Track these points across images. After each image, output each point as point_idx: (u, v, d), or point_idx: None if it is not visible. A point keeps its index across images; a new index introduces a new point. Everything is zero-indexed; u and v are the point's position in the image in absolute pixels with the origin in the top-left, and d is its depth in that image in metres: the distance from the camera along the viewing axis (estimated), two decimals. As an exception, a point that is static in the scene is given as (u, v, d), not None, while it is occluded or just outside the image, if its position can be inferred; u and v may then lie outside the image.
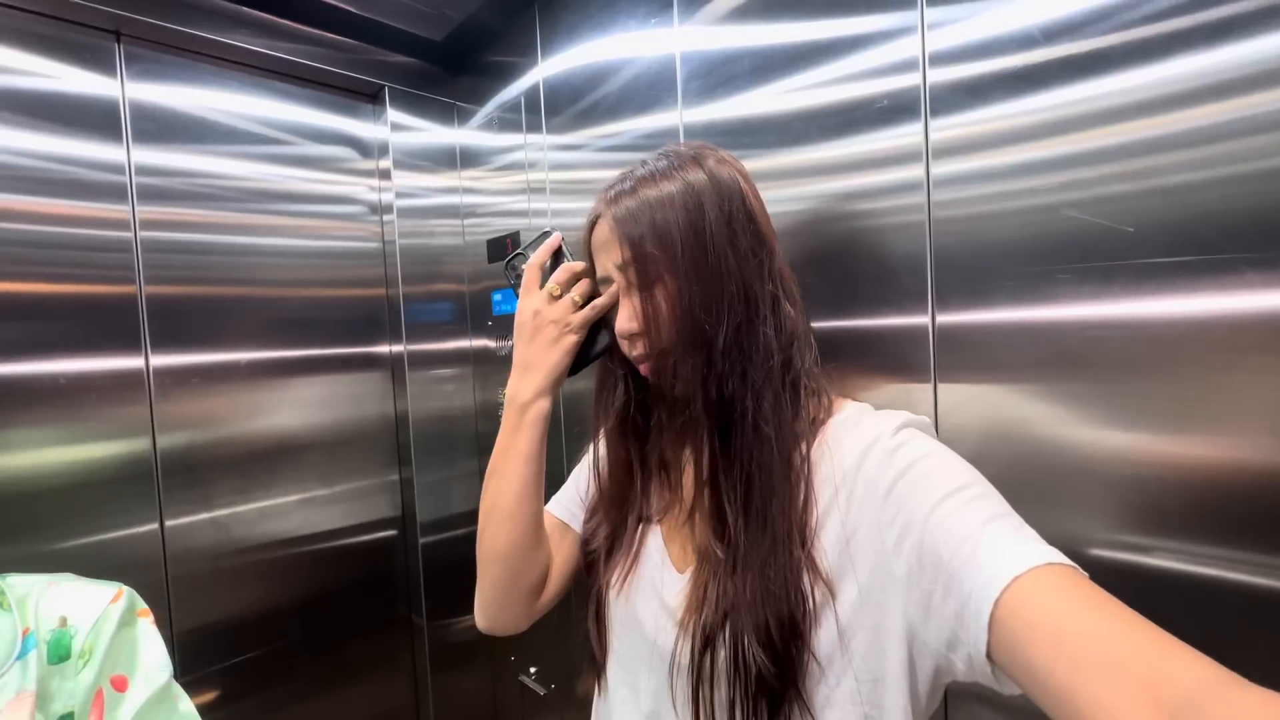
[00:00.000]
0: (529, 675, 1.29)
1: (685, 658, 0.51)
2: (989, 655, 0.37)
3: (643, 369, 0.57)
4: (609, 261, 0.56)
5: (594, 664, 0.63)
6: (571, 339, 0.61)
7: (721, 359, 0.51)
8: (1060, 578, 0.36)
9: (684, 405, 0.56)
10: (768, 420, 0.51)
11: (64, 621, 0.53)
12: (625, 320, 0.55)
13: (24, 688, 0.49)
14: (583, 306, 0.61)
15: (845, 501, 0.48)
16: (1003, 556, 0.37)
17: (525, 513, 0.61)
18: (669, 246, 0.51)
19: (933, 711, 0.50)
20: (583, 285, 0.61)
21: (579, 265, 0.62)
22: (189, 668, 1.09)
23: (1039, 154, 0.56)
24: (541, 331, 0.61)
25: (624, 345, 0.57)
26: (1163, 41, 0.49)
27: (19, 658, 0.50)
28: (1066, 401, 0.56)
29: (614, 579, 0.60)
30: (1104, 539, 0.54)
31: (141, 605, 0.60)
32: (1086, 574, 0.37)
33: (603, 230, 0.56)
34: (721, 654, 0.48)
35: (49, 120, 0.96)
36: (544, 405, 0.61)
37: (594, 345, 0.62)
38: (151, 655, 0.57)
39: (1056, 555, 0.37)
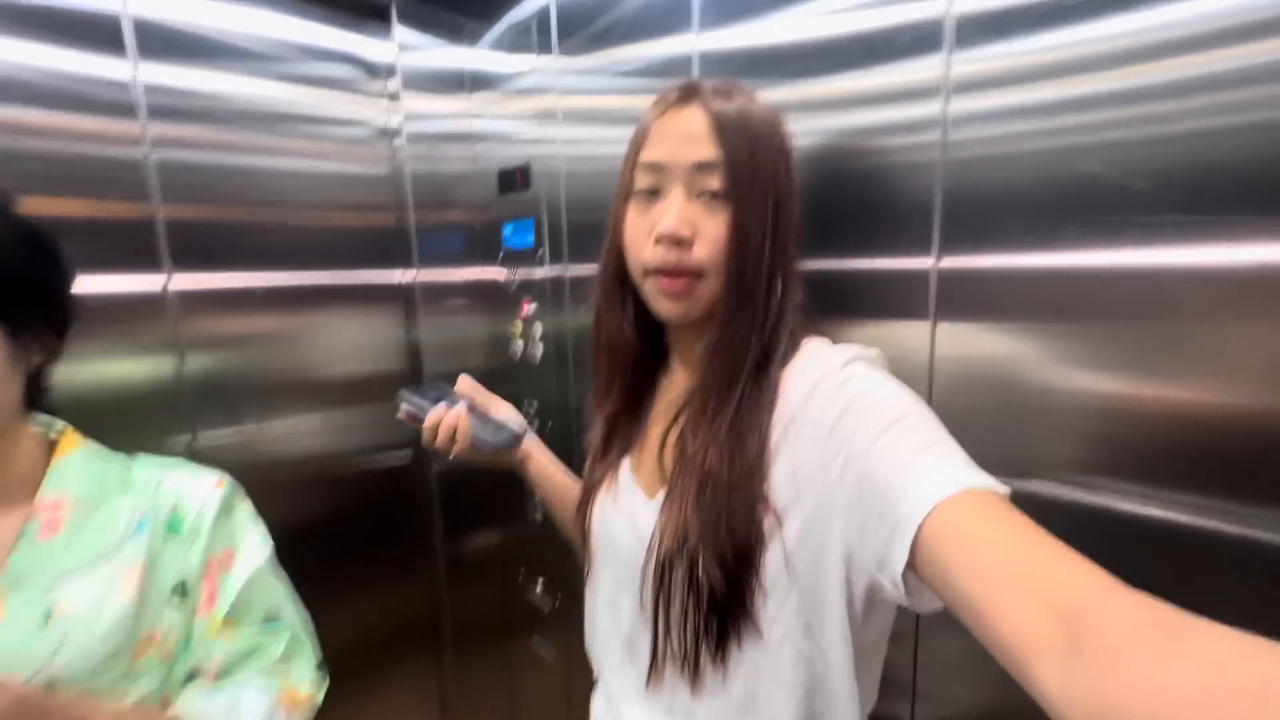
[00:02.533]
0: (535, 592, 1.37)
1: (651, 578, 0.55)
2: (915, 572, 0.40)
3: (666, 283, 0.54)
4: (685, 154, 0.51)
5: (583, 561, 0.69)
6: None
7: (751, 297, 0.52)
8: (978, 501, 0.38)
9: (691, 332, 0.58)
10: (773, 362, 0.53)
11: (176, 505, 0.63)
12: (677, 223, 0.51)
13: (137, 558, 0.58)
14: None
15: (794, 437, 0.50)
16: (928, 483, 0.40)
17: (558, 512, 0.79)
18: (756, 176, 0.51)
19: (880, 628, 0.54)
20: (448, 433, 0.73)
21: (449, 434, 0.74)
22: (223, 570, 1.17)
23: (1060, 93, 0.54)
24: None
25: (650, 252, 0.53)
26: (1204, -29, 0.46)
27: (135, 535, 0.59)
28: (1064, 348, 0.56)
29: (599, 496, 0.65)
30: (1086, 481, 0.56)
31: (241, 492, 0.70)
32: (1006, 491, 0.40)
33: (696, 119, 0.52)
34: (679, 574, 0.52)
35: (55, 33, 0.94)
36: (508, 464, 0.79)
37: (487, 443, 0.75)
38: (253, 534, 0.68)
39: (979, 479, 0.40)
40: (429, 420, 0.74)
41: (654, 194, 0.54)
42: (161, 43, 1.04)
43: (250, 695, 0.60)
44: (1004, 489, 0.40)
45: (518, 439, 0.76)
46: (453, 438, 0.73)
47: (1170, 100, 0.49)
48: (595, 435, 0.67)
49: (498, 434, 0.75)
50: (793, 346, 0.54)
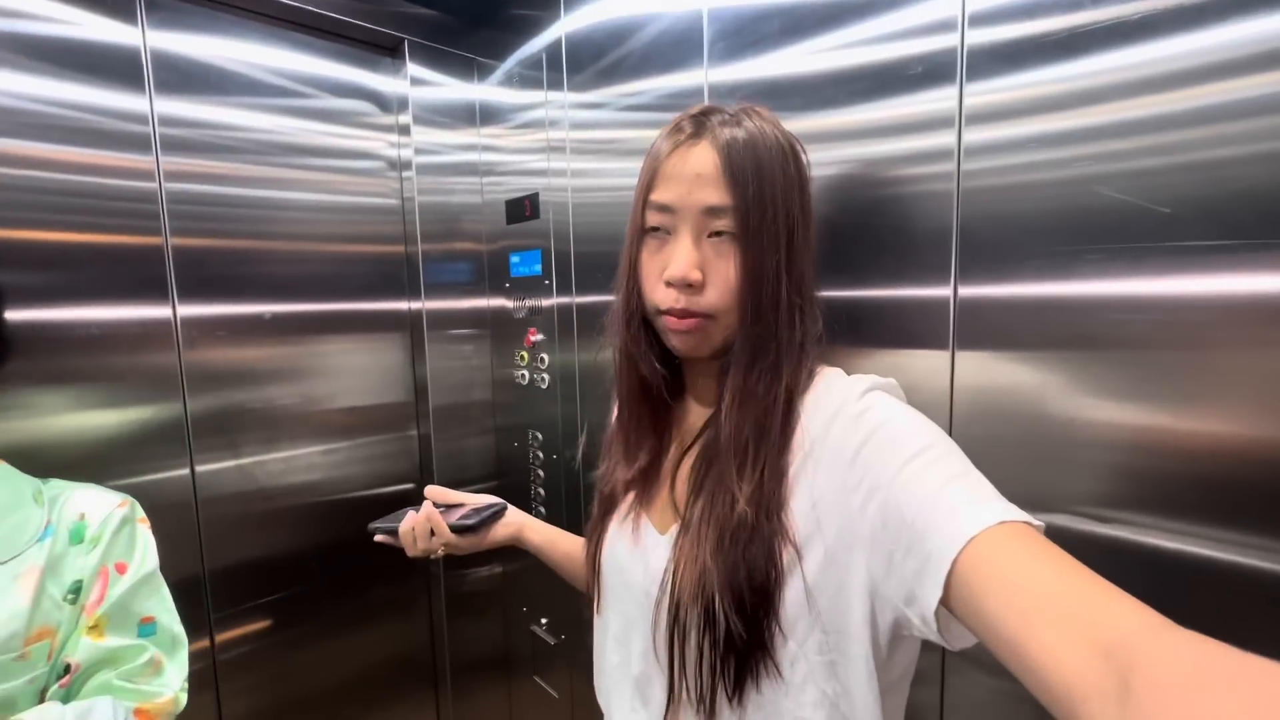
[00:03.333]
0: (540, 626, 1.34)
1: (665, 618, 0.53)
2: (948, 609, 0.38)
3: (675, 323, 0.53)
4: (695, 198, 0.51)
5: (591, 599, 0.67)
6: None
7: (769, 336, 0.52)
8: (1014, 535, 0.37)
9: (705, 365, 0.57)
10: (789, 401, 0.52)
11: (82, 516, 0.70)
12: (686, 268, 0.51)
13: (37, 562, 0.65)
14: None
15: (813, 467, 0.49)
16: (960, 517, 0.38)
17: (565, 571, 0.81)
18: (766, 217, 0.49)
19: (905, 666, 0.52)
20: (425, 531, 0.76)
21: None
22: (220, 604, 1.15)
23: (1076, 123, 0.54)
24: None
25: (661, 294, 0.53)
26: (1218, 6, 0.47)
27: (39, 541, 0.66)
28: (1085, 379, 0.55)
29: (610, 531, 0.63)
30: (1111, 516, 0.55)
31: (141, 514, 0.76)
32: (1042, 525, 0.39)
33: (703, 160, 0.50)
34: (694, 612, 0.50)
35: (73, 68, 0.96)
36: (505, 541, 0.81)
37: (467, 525, 0.77)
38: (144, 550, 0.74)
39: (1011, 512, 0.39)
40: (403, 529, 0.77)
41: (665, 233, 0.54)
42: (178, 76, 1.06)
43: (102, 702, 0.65)
44: (1039, 523, 0.39)
45: (497, 511, 0.79)
46: (432, 532, 0.76)
47: (1182, 129, 0.49)
48: (619, 478, 0.64)
49: (475, 514, 0.77)
50: (809, 376, 0.54)
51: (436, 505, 0.79)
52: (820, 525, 0.48)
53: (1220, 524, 0.49)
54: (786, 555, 0.48)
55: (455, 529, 0.76)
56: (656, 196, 0.53)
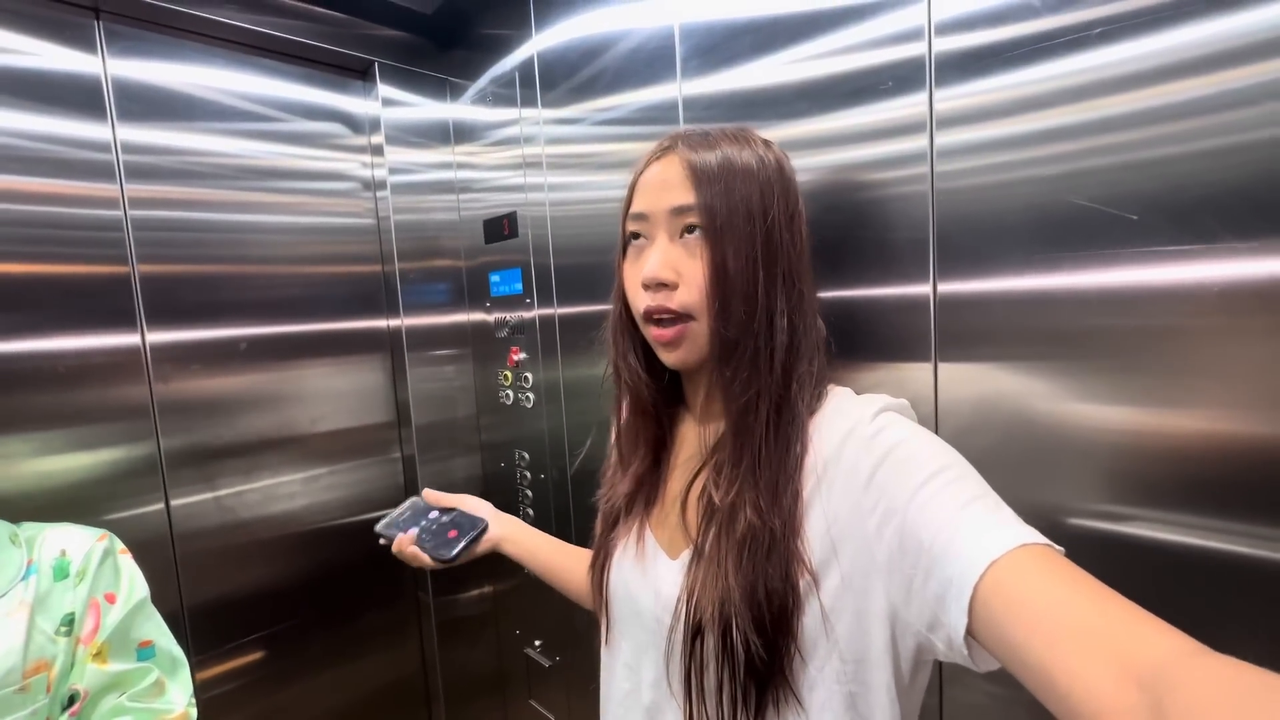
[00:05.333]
0: (534, 648, 1.31)
1: (679, 645, 0.52)
2: (970, 634, 0.38)
3: (659, 333, 0.54)
4: (663, 201, 0.52)
5: (600, 623, 0.65)
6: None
7: (744, 333, 0.50)
8: (1036, 557, 0.37)
9: (703, 381, 0.57)
10: (797, 407, 0.51)
11: (63, 553, 0.72)
12: (658, 268, 0.52)
13: (24, 599, 0.67)
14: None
15: (826, 490, 0.48)
16: (981, 540, 0.38)
17: (557, 581, 0.80)
18: (735, 213, 0.50)
19: (922, 688, 0.51)
20: (408, 558, 0.82)
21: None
22: (201, 646, 1.11)
23: (1044, 124, 0.55)
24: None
25: (641, 298, 0.54)
26: (1172, 8, 0.48)
27: (23, 579, 0.68)
28: (1066, 377, 0.56)
29: (615, 552, 0.62)
30: (1100, 512, 0.55)
31: (121, 546, 0.78)
32: (1062, 549, 0.38)
33: (672, 168, 0.52)
34: (711, 642, 0.49)
35: (32, 99, 0.94)
36: (490, 550, 0.82)
37: (441, 558, 0.80)
38: (132, 579, 0.76)
39: (1032, 535, 0.38)
40: (394, 548, 0.83)
41: (645, 241, 0.55)
42: (141, 104, 1.04)
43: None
44: (1059, 547, 0.38)
45: (478, 535, 0.81)
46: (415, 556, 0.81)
47: (1146, 127, 0.50)
48: (619, 491, 0.63)
49: (447, 546, 0.80)
50: (817, 395, 0.53)
51: (431, 508, 0.86)
52: (836, 550, 0.47)
53: (1203, 512, 0.50)
54: (803, 582, 0.47)
55: (436, 559, 0.80)
56: (633, 208, 0.56)
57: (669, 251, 0.52)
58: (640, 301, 0.54)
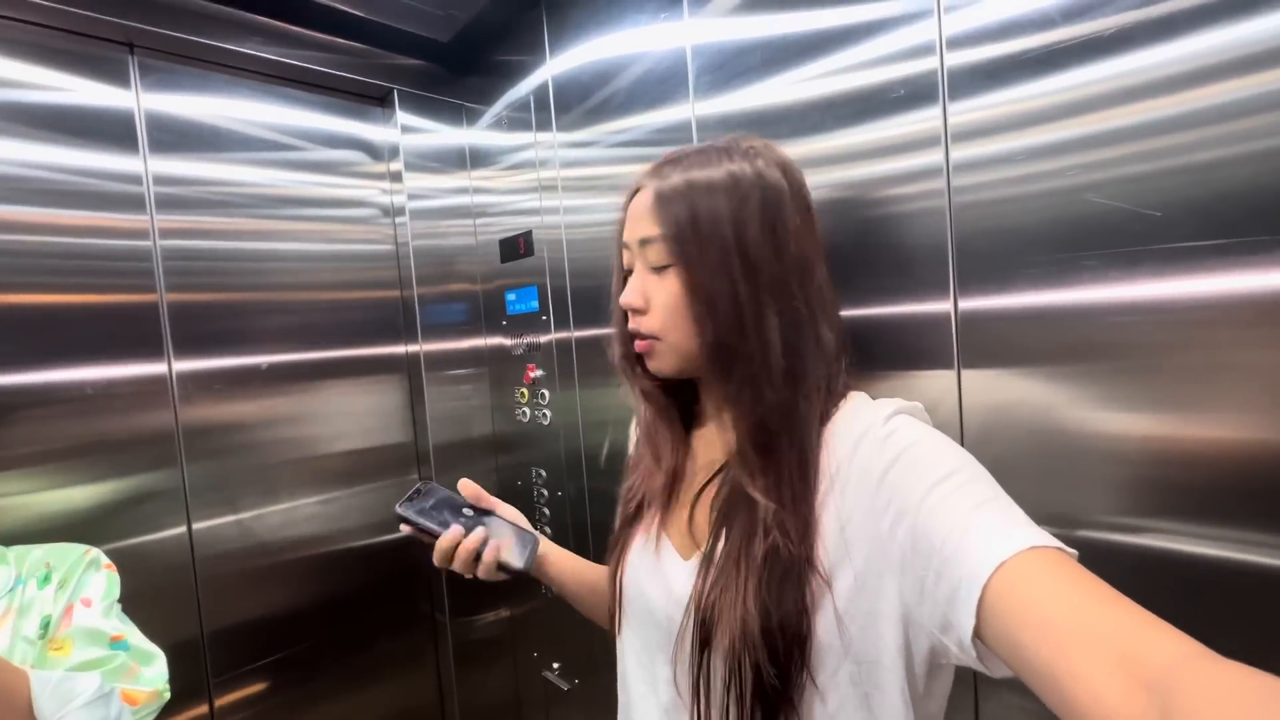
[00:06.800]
0: (552, 671, 1.30)
1: (689, 646, 0.52)
2: (978, 637, 0.38)
3: (638, 345, 0.58)
4: (635, 232, 0.56)
5: (613, 619, 0.65)
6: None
7: (735, 351, 0.52)
8: (1045, 560, 0.36)
9: (713, 390, 0.58)
10: (811, 416, 0.51)
11: (47, 565, 0.75)
12: (629, 295, 0.56)
13: (10, 608, 0.70)
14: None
15: (840, 491, 0.49)
16: (991, 542, 0.38)
17: (586, 604, 0.76)
18: (700, 231, 0.52)
19: (941, 697, 0.51)
20: (467, 558, 0.67)
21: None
22: (220, 667, 1.11)
23: (1060, 135, 0.56)
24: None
25: (626, 321, 0.59)
26: (1186, 17, 0.49)
27: (9, 592, 0.71)
28: (1090, 387, 0.55)
29: (633, 545, 0.62)
30: (1126, 523, 0.54)
31: (106, 560, 0.81)
32: (1074, 553, 0.38)
33: (643, 200, 0.56)
34: (720, 643, 0.49)
35: (67, 133, 0.97)
36: (528, 572, 0.71)
37: (516, 568, 0.69)
38: (109, 586, 0.78)
39: (1042, 538, 0.38)
40: (446, 540, 0.67)
41: (630, 269, 0.59)
42: (172, 136, 1.07)
43: (87, 675, 0.66)
44: (1071, 551, 0.38)
45: (533, 550, 0.71)
46: (474, 558, 0.67)
47: (1165, 135, 0.50)
48: (638, 487, 0.64)
49: (523, 554, 0.69)
50: (832, 401, 0.53)
51: (463, 503, 0.73)
52: (849, 550, 0.47)
53: (1235, 524, 0.49)
54: (815, 584, 0.47)
55: (502, 567, 0.68)
56: (622, 238, 0.60)
57: (644, 279, 0.56)
58: (626, 324, 0.60)
